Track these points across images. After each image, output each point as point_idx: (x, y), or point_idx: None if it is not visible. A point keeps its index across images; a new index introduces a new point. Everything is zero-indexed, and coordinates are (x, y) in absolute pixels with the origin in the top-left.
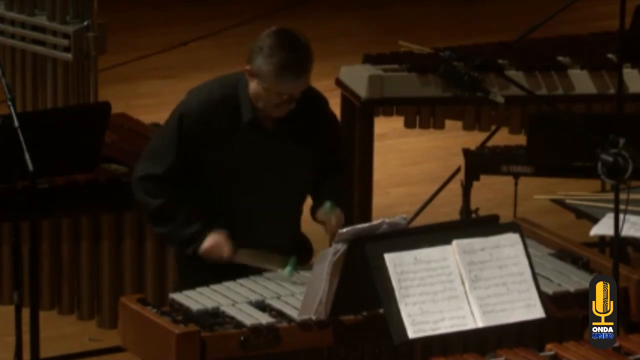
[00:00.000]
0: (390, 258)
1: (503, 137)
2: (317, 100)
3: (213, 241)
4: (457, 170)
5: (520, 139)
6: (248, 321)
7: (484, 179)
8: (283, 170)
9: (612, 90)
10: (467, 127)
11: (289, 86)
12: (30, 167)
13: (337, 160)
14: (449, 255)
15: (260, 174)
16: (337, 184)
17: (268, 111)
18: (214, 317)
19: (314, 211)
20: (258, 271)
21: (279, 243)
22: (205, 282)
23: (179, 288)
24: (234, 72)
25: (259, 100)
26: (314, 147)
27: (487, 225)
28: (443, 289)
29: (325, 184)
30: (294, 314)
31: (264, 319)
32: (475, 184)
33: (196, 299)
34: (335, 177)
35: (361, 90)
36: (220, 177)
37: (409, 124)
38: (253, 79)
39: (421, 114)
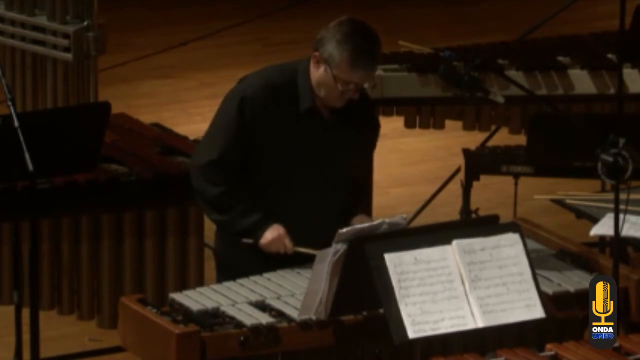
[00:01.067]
0: (390, 258)
1: (503, 137)
2: (365, 99)
3: (275, 234)
4: (457, 170)
5: (520, 139)
6: (248, 321)
7: (484, 179)
8: (338, 160)
9: (612, 90)
10: (467, 127)
11: (360, 74)
12: (30, 167)
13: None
14: (449, 255)
15: (315, 162)
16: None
17: (329, 99)
18: (214, 317)
19: (348, 216)
20: (274, 267)
21: (332, 234)
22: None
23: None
24: (291, 61)
25: (322, 87)
26: (359, 144)
27: (487, 225)
28: (443, 289)
29: (362, 191)
30: (294, 314)
31: (264, 319)
32: (475, 184)
33: (196, 299)
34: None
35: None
36: (275, 165)
37: (409, 124)
38: (320, 66)
39: (421, 114)
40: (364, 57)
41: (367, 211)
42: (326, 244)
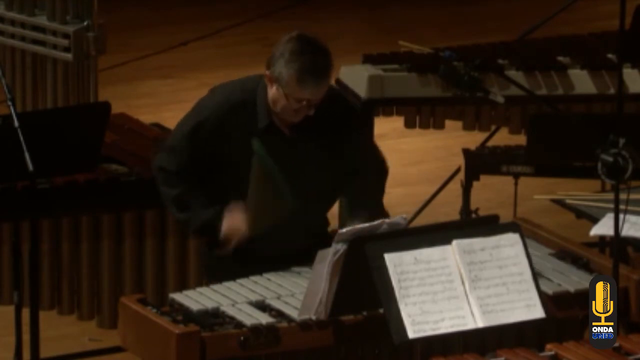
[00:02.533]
0: (390, 258)
1: (503, 137)
2: (339, 100)
3: (229, 224)
4: (457, 170)
5: (520, 139)
6: (248, 321)
7: (484, 179)
8: (301, 176)
9: (612, 90)
10: (467, 127)
11: (309, 91)
12: (30, 167)
13: (368, 161)
14: (449, 255)
15: (285, 177)
16: (372, 190)
17: (285, 116)
18: (214, 317)
19: (344, 219)
20: (273, 268)
21: (301, 248)
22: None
23: (210, 283)
24: (254, 76)
25: (276, 105)
26: (337, 150)
27: (487, 225)
28: (443, 289)
29: (356, 192)
30: (294, 314)
31: (264, 319)
32: (475, 184)
33: (196, 299)
34: (369, 181)
35: (361, 90)
36: (237, 182)
37: (409, 124)
38: (272, 85)
39: (421, 114)
40: (312, 75)
41: (365, 211)
42: (299, 253)
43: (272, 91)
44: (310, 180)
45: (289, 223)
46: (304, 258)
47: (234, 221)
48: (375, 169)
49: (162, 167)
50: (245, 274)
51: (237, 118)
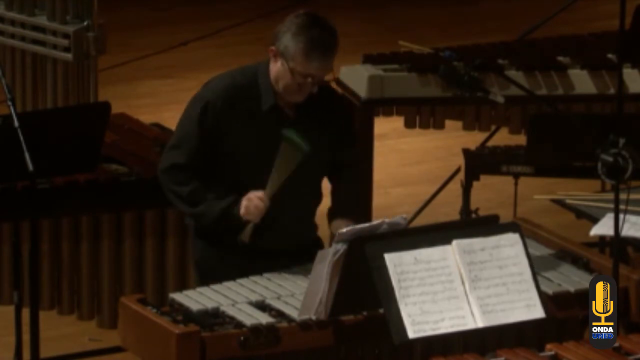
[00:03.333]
0: (390, 258)
1: (503, 137)
2: (334, 94)
3: (245, 201)
4: (457, 170)
5: (520, 139)
6: (248, 321)
7: (484, 179)
8: (307, 157)
9: (612, 90)
10: (467, 127)
11: (315, 66)
12: (30, 167)
13: (353, 155)
14: (449, 255)
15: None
16: (355, 188)
17: (287, 94)
18: (214, 317)
19: (331, 218)
20: (262, 270)
21: (298, 232)
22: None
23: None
24: (248, 64)
25: (280, 81)
26: (331, 139)
27: (487, 225)
28: (443, 289)
29: (344, 190)
30: (294, 314)
31: (264, 319)
32: (475, 184)
33: (196, 299)
34: (353, 179)
35: (361, 90)
36: (241, 164)
37: (409, 124)
38: (277, 60)
39: (421, 114)
40: (319, 49)
41: (350, 209)
42: (301, 242)
43: (277, 67)
44: (308, 163)
45: (285, 209)
46: (295, 253)
47: (252, 199)
48: (357, 163)
49: (171, 165)
50: (244, 272)
51: (243, 100)
